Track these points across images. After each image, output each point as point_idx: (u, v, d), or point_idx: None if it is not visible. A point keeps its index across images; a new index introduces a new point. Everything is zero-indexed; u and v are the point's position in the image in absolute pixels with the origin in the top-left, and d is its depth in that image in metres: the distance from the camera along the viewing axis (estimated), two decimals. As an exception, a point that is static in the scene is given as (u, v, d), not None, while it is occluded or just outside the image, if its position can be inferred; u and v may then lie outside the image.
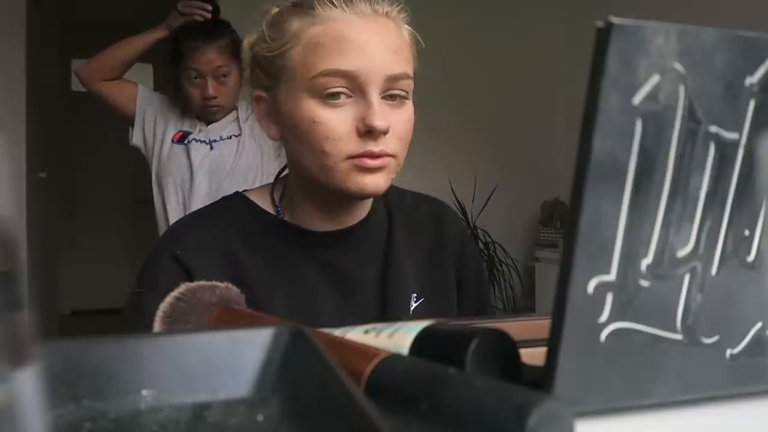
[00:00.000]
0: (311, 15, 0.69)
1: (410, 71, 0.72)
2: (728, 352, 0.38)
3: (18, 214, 2.67)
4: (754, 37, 0.34)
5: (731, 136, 0.35)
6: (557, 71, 3.34)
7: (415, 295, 0.80)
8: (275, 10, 0.74)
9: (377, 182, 0.70)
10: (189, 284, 0.52)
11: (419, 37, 0.76)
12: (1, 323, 0.18)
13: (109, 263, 5.48)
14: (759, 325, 0.39)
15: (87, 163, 5.42)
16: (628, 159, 0.32)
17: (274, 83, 0.72)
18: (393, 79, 0.69)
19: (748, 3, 2.36)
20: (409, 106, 0.73)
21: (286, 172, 0.81)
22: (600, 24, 0.31)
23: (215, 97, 1.74)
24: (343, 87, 0.67)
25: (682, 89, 0.33)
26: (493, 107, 3.24)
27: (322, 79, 0.67)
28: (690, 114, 0.33)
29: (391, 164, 0.71)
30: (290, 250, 0.77)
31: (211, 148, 1.80)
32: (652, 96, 0.32)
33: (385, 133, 0.68)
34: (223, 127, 1.81)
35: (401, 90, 0.70)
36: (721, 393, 0.39)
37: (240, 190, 0.83)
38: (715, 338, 0.38)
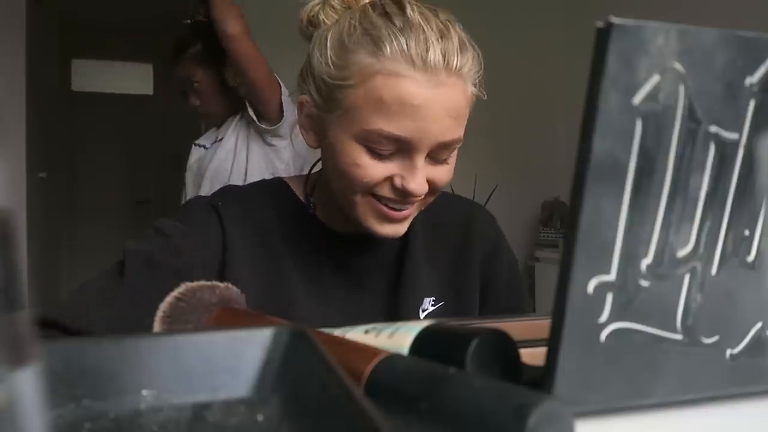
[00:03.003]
0: (380, 57, 0.64)
1: (462, 131, 0.69)
2: (728, 352, 0.38)
3: (18, 214, 2.67)
4: (754, 37, 0.34)
5: (731, 136, 0.35)
6: (557, 71, 3.33)
7: (433, 299, 0.80)
8: (346, 24, 0.67)
9: (397, 230, 0.72)
10: (189, 284, 0.52)
11: (484, 92, 0.71)
12: (1, 323, 0.18)
13: (110, 263, 5.46)
14: (759, 325, 0.39)
15: (87, 163, 5.42)
16: (628, 159, 0.32)
17: (325, 106, 0.69)
18: (444, 145, 0.67)
19: (748, 3, 2.36)
20: (452, 160, 0.71)
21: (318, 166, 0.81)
22: (600, 24, 0.31)
23: (197, 106, 1.77)
24: (392, 147, 0.66)
25: (682, 89, 0.33)
26: (493, 107, 3.23)
27: (374, 136, 0.65)
28: (690, 114, 0.33)
29: (414, 210, 0.71)
30: (312, 244, 0.78)
31: (206, 151, 1.81)
32: (652, 96, 0.32)
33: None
34: (222, 130, 1.81)
35: (447, 153, 0.69)
36: (721, 393, 0.39)
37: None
38: (715, 338, 0.38)
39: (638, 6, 1.92)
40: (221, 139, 1.77)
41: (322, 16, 0.72)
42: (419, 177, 0.67)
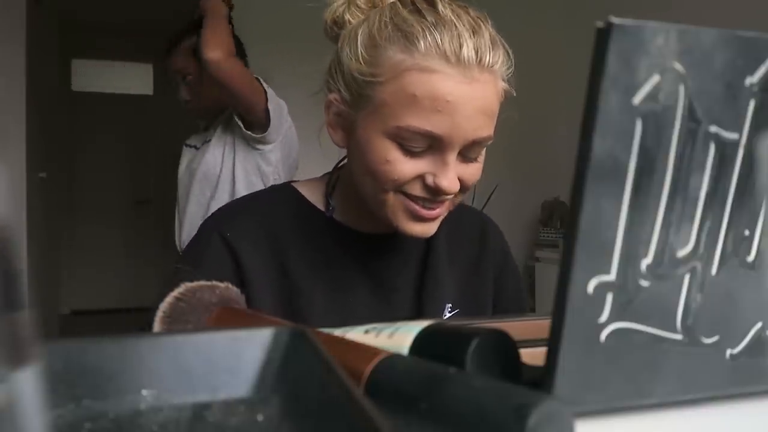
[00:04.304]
0: (412, 52, 0.63)
1: (493, 128, 0.68)
2: (728, 352, 0.38)
3: (18, 214, 2.67)
4: (754, 37, 0.34)
5: (731, 136, 0.35)
6: (557, 71, 3.33)
7: (449, 305, 0.81)
8: (376, 20, 0.67)
9: (427, 230, 0.71)
10: (189, 284, 0.52)
11: (513, 89, 0.71)
12: (1, 323, 0.18)
13: (110, 263, 5.48)
14: (759, 325, 0.39)
15: (87, 163, 5.43)
16: (628, 159, 0.32)
17: (355, 104, 0.69)
18: (475, 143, 0.67)
19: (748, 3, 2.36)
20: (481, 158, 0.71)
21: (343, 162, 0.80)
22: (600, 24, 0.31)
23: (187, 101, 1.74)
24: (424, 144, 0.65)
25: (682, 89, 0.33)
26: (493, 107, 3.23)
27: (406, 133, 0.64)
28: (690, 114, 0.33)
29: (445, 209, 0.71)
30: (334, 248, 0.78)
31: (196, 152, 1.78)
32: (652, 96, 0.32)
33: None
34: (211, 131, 1.77)
35: (478, 150, 0.69)
36: (721, 393, 0.39)
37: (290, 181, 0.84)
38: (715, 338, 0.38)
39: (638, 6, 1.92)
40: (210, 141, 1.74)
41: (347, 16, 0.71)
42: (451, 174, 0.66)
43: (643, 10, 2.59)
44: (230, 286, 0.53)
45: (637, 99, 0.31)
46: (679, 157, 0.34)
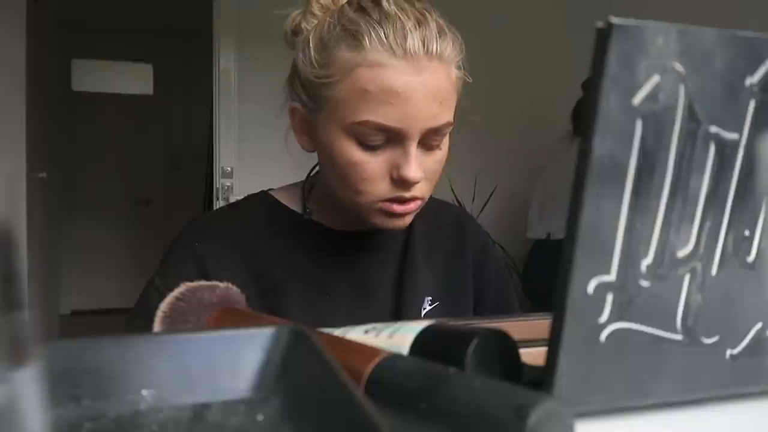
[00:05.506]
0: (360, 50, 0.65)
1: (451, 115, 0.69)
2: (728, 352, 0.38)
3: (18, 214, 2.67)
4: (754, 37, 0.34)
5: (731, 136, 0.35)
6: (557, 71, 3.33)
7: (429, 298, 0.81)
8: (325, 24, 0.69)
9: (401, 224, 0.73)
10: (189, 284, 0.52)
11: (467, 75, 0.72)
12: (1, 323, 0.18)
13: (110, 263, 5.47)
14: (759, 325, 0.39)
15: (87, 163, 5.42)
16: (628, 159, 0.32)
17: (314, 107, 0.70)
18: (434, 131, 0.68)
19: (748, 3, 2.36)
20: (443, 148, 0.71)
21: (316, 170, 0.81)
22: (600, 24, 0.31)
23: None
24: (382, 138, 0.67)
25: (682, 89, 0.33)
26: (493, 107, 3.24)
27: (363, 129, 0.66)
28: (690, 114, 0.33)
29: (418, 205, 0.73)
30: (311, 247, 0.78)
31: None
32: (652, 96, 0.32)
33: (418, 182, 0.69)
34: None
35: (439, 138, 0.69)
36: (721, 393, 0.39)
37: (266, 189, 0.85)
38: (715, 338, 0.38)
39: (638, 6, 1.92)
40: None
41: (303, 24, 0.73)
42: (414, 164, 0.67)
43: (644, 10, 2.59)
44: (230, 285, 0.53)
45: (637, 99, 0.31)
46: (679, 158, 0.34)
